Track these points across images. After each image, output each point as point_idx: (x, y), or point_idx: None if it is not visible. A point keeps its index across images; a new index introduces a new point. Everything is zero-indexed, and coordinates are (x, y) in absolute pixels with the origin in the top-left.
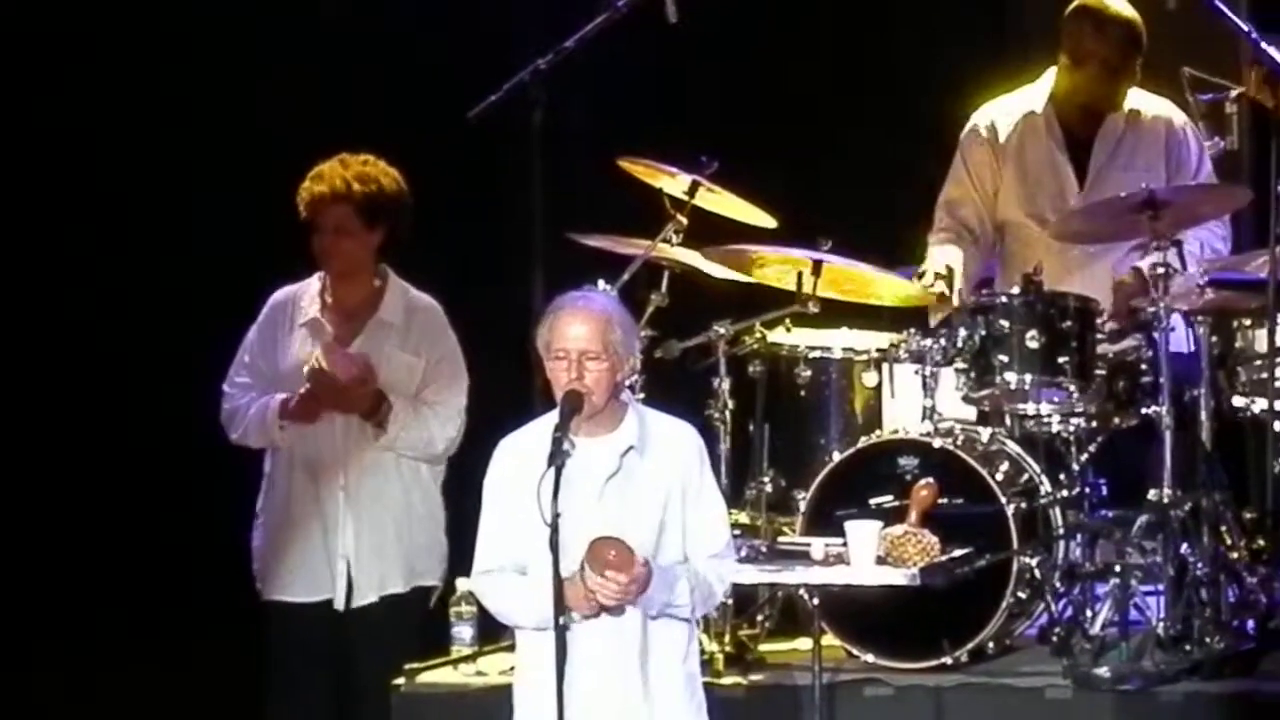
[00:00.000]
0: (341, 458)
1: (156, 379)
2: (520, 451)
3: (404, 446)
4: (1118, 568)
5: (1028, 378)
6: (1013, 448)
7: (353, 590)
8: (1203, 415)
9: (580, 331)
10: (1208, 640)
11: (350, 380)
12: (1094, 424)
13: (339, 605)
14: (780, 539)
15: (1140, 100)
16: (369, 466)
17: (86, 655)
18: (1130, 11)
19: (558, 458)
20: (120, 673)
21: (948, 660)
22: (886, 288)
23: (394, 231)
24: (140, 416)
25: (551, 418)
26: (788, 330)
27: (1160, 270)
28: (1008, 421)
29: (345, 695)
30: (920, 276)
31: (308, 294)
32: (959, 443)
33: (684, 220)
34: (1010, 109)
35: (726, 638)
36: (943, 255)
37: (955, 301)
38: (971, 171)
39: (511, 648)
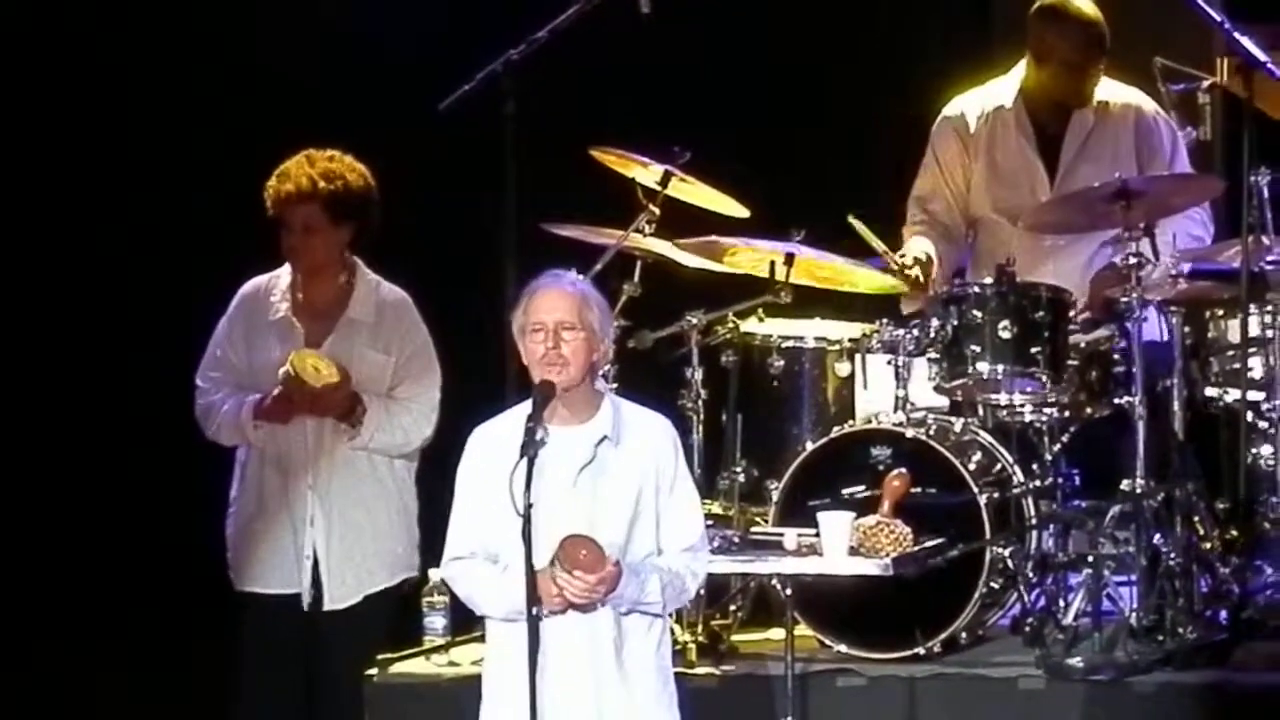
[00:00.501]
0: (312, 456)
1: (148, 374)
2: (493, 440)
3: (377, 446)
4: (1090, 558)
5: (1000, 368)
6: (985, 438)
7: (323, 590)
8: (1175, 405)
9: (558, 303)
10: (1180, 630)
11: (324, 385)
12: (1067, 414)
13: (305, 603)
14: (753, 529)
15: (1110, 92)
16: (340, 465)
17: (81, 654)
18: (1092, 10)
19: (530, 448)
20: (113, 671)
21: (920, 650)
22: (860, 277)
23: (362, 227)
24: (128, 410)
25: (525, 407)
26: (760, 320)
27: (1133, 260)
28: (980, 411)
29: (316, 686)
30: (899, 261)
31: (278, 288)
32: (932, 433)
33: (656, 210)
34: (981, 103)
35: (699, 628)
36: (920, 245)
37: (931, 291)
38: (942, 165)
39: (484, 638)
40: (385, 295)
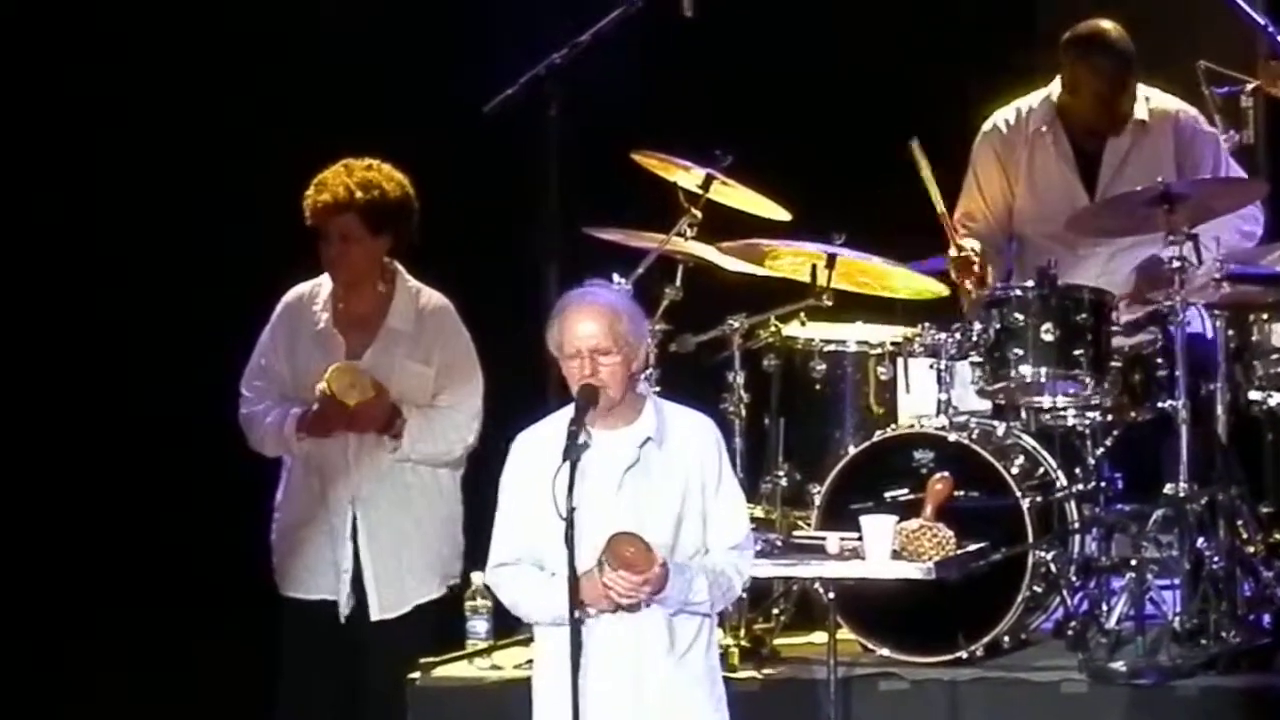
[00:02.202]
0: (352, 469)
1: (170, 376)
2: (537, 445)
3: (420, 456)
4: (1133, 562)
5: (1043, 371)
6: (1028, 441)
7: (367, 600)
8: (1219, 409)
9: (589, 329)
10: (1224, 635)
11: (360, 403)
12: (1109, 417)
13: (343, 615)
14: (795, 533)
15: (1148, 108)
16: (385, 476)
17: (112, 656)
18: (1119, 37)
19: (573, 452)
20: (143, 670)
21: (963, 654)
22: (901, 281)
23: (400, 236)
24: (157, 413)
25: (567, 412)
26: (802, 324)
27: (1176, 264)
28: (1023, 415)
29: (360, 695)
30: (958, 251)
31: (320, 298)
32: (974, 436)
33: (698, 214)
34: (1020, 120)
35: (742, 631)
36: (970, 243)
37: (988, 284)
38: (982, 186)
39: (527, 641)
40: (425, 303)
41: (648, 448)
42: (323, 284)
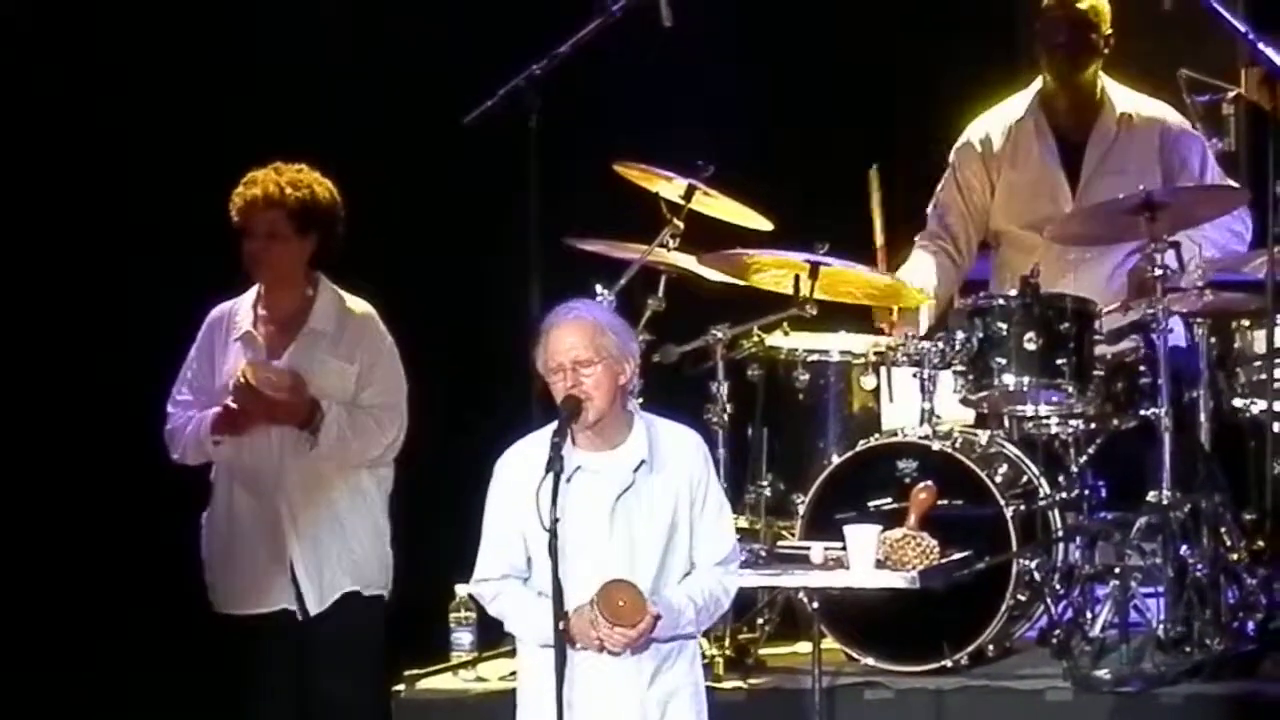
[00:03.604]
0: (279, 470)
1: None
2: (522, 461)
3: (341, 454)
4: (1117, 569)
5: (1026, 380)
6: (1011, 450)
7: (304, 600)
8: (1202, 416)
9: (571, 341)
10: (1208, 642)
11: (276, 393)
12: (1093, 425)
13: (298, 614)
14: (780, 543)
15: (1133, 104)
16: (307, 477)
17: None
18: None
19: (555, 464)
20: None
21: (948, 663)
22: (883, 288)
23: (326, 241)
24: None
25: (551, 428)
26: (785, 334)
27: (1158, 272)
28: (1006, 424)
29: (308, 706)
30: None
31: (243, 307)
32: (957, 445)
33: (680, 224)
34: (1003, 119)
35: (727, 641)
36: (919, 266)
37: (921, 325)
38: (960, 183)
39: (511, 653)
40: (348, 307)
41: (641, 471)
42: (247, 296)
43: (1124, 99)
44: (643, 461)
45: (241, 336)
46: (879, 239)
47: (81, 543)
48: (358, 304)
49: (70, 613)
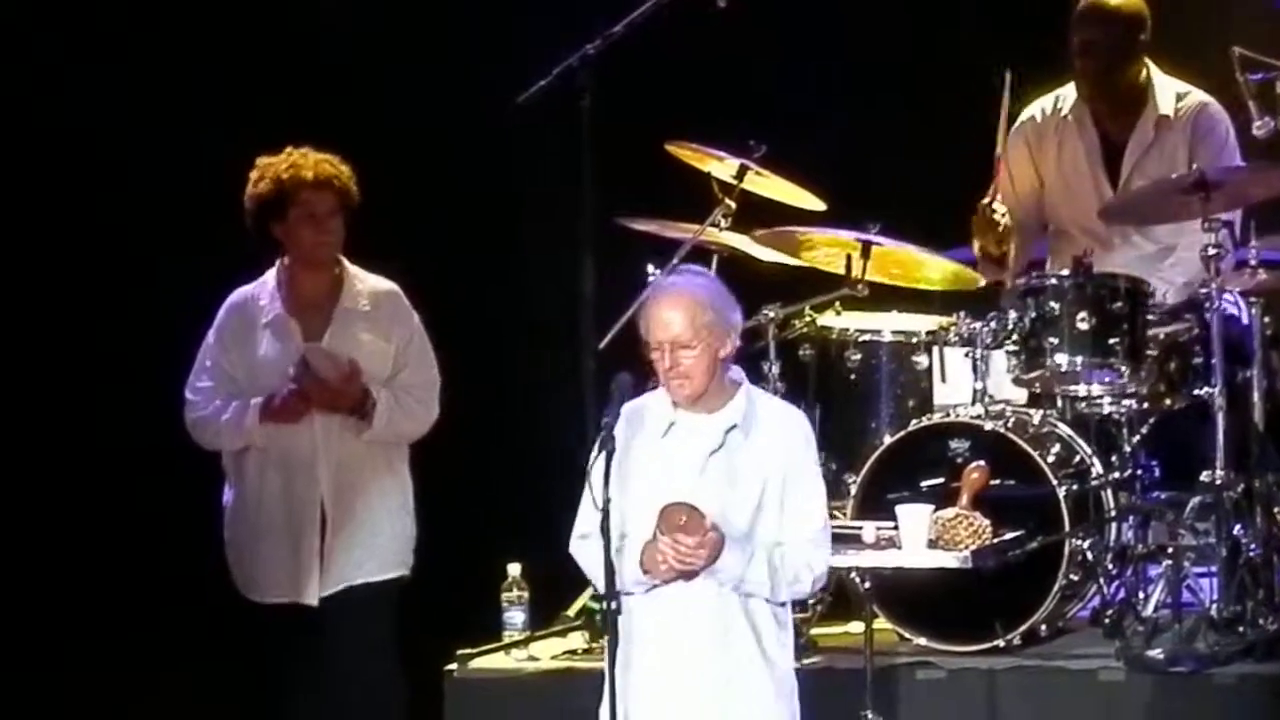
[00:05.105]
0: (320, 454)
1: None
2: (626, 419)
3: (390, 436)
4: (1170, 549)
5: (1078, 359)
6: (1064, 430)
7: (322, 585)
8: (1255, 396)
9: (671, 318)
10: (1261, 622)
11: (338, 379)
12: (1145, 405)
13: (312, 600)
14: (832, 522)
15: (1175, 101)
16: (346, 461)
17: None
18: (1118, 6)
19: (607, 444)
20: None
21: (1000, 643)
22: (935, 270)
23: (350, 222)
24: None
25: (660, 392)
26: (837, 314)
27: (1212, 251)
28: (1059, 403)
29: (329, 687)
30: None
31: (265, 293)
32: (1010, 425)
33: (732, 204)
34: (1052, 111)
35: None
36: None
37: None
38: (1013, 173)
39: (564, 633)
40: (375, 285)
41: (733, 435)
42: (265, 281)
43: (1167, 96)
44: (734, 425)
45: (272, 321)
46: (1000, 148)
47: (96, 531)
48: (382, 282)
49: (89, 602)
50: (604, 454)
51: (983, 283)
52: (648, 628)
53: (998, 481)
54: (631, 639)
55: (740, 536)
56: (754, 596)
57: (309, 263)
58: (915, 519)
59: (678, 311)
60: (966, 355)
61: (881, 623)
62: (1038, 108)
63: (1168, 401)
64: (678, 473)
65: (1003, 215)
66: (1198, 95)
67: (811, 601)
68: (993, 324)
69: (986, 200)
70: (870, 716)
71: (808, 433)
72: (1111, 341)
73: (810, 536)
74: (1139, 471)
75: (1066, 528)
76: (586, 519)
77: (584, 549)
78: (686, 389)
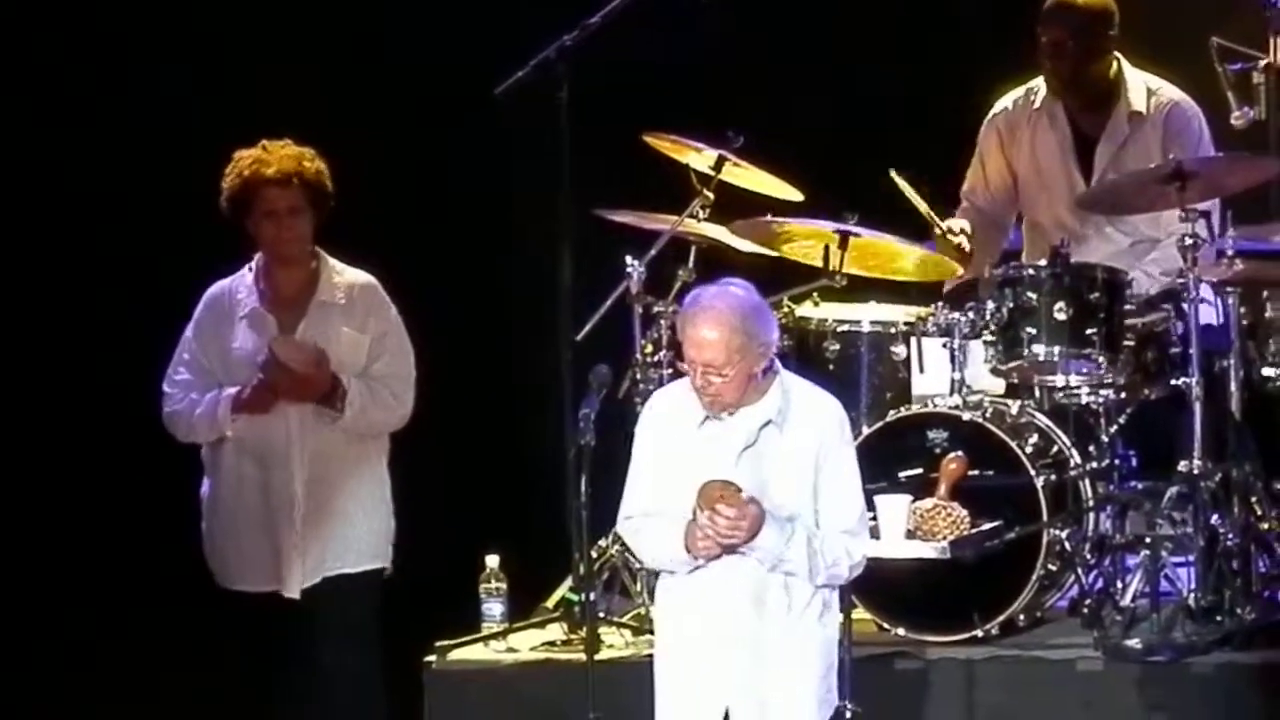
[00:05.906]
0: (295, 445)
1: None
2: (668, 402)
3: (362, 426)
4: (1148, 539)
5: (1056, 349)
6: (1042, 420)
7: (300, 577)
8: (1232, 386)
9: (705, 340)
10: (1239, 611)
11: (305, 368)
12: (1123, 395)
13: (294, 593)
14: None
15: (1147, 97)
16: (321, 451)
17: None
18: (1083, 4)
19: (583, 434)
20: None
21: (978, 633)
22: (913, 261)
23: (322, 216)
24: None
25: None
26: (815, 304)
27: (1189, 242)
28: (1037, 394)
29: (307, 678)
30: (943, 226)
31: (243, 285)
32: (988, 415)
33: (710, 195)
34: (1024, 103)
35: None
36: (959, 223)
37: (972, 268)
38: (985, 164)
39: (542, 624)
40: (353, 278)
41: (767, 430)
42: (244, 274)
43: (1139, 91)
44: (769, 421)
45: (248, 315)
46: (935, 224)
47: (79, 524)
48: (359, 275)
49: (69, 595)
50: (582, 446)
51: (961, 273)
52: (689, 601)
53: (976, 472)
54: (671, 613)
55: (780, 519)
56: (793, 576)
57: (277, 258)
58: (893, 509)
59: (714, 335)
60: (944, 345)
61: (860, 613)
62: (1011, 98)
63: (1145, 391)
64: (713, 467)
65: (958, 233)
66: (1169, 91)
67: None
68: (970, 314)
69: (941, 231)
70: (849, 706)
71: (842, 419)
72: (1089, 332)
73: (847, 526)
74: (1117, 461)
75: (1044, 518)
76: (633, 499)
77: (632, 529)
78: (717, 406)
